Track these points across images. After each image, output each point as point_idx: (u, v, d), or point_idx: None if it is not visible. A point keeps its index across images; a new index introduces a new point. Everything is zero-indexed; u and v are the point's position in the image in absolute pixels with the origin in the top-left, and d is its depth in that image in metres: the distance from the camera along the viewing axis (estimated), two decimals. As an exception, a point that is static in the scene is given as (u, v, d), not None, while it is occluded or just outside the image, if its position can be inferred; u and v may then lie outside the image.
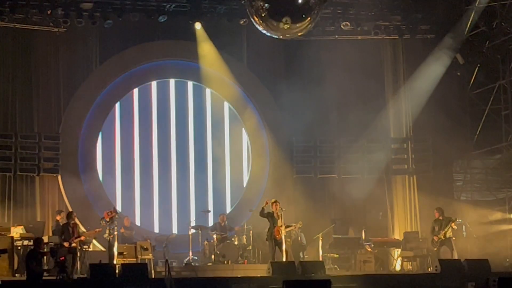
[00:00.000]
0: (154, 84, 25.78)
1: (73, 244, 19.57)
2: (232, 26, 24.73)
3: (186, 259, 22.69)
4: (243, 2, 21.57)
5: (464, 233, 22.46)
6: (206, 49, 25.08)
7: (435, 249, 21.75)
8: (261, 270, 20.03)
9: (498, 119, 24.78)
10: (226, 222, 23.76)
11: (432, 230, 21.84)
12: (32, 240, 20.50)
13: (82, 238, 20.27)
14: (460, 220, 21.92)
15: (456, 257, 20.86)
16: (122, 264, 18.19)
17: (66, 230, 19.78)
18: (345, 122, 25.39)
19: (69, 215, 20.18)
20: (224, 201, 25.98)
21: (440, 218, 21.80)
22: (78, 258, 19.80)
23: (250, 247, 23.05)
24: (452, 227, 21.50)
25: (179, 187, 25.59)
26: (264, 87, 25.91)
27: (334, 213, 24.24)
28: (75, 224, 20.19)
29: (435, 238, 21.60)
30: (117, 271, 17.70)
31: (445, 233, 21.47)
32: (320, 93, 25.39)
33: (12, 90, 23.70)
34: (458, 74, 25.74)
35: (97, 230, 20.93)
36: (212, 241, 22.97)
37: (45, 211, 23.52)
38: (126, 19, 23.90)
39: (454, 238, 21.63)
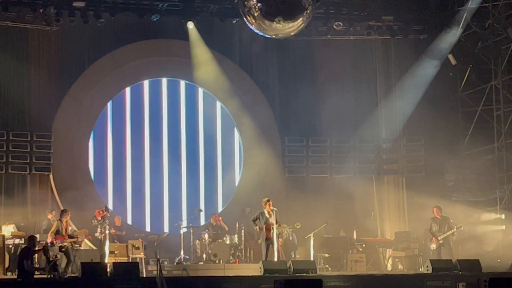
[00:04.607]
0: (146, 83, 25.78)
1: (65, 243, 19.53)
2: (225, 25, 24.71)
3: (177, 258, 22.69)
4: (235, 1, 21.61)
5: (455, 233, 22.46)
6: (199, 48, 25.06)
7: (432, 248, 21.76)
8: (252, 269, 20.05)
9: (490, 120, 24.84)
10: (219, 222, 23.76)
11: (430, 229, 21.85)
12: (23, 239, 20.53)
13: (80, 239, 20.24)
14: (461, 227, 21.95)
15: (453, 257, 20.87)
16: (114, 263, 18.16)
17: (59, 228, 19.71)
18: (337, 122, 25.40)
19: (63, 213, 20.09)
20: (216, 200, 26.01)
21: (438, 217, 21.83)
22: (69, 257, 19.75)
23: (242, 247, 23.05)
24: (453, 233, 21.63)
25: (171, 186, 25.61)
26: (256, 87, 25.93)
27: (326, 213, 24.19)
28: (67, 222, 20.14)
29: (434, 240, 21.63)
30: (108, 270, 17.69)
31: (444, 237, 21.53)
32: (312, 93, 25.46)
33: (4, 88, 23.63)
34: (450, 74, 25.78)
35: (88, 237, 20.93)
36: (203, 240, 22.97)
37: (37, 209, 23.44)
38: (119, 18, 23.87)
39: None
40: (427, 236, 22.10)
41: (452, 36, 24.83)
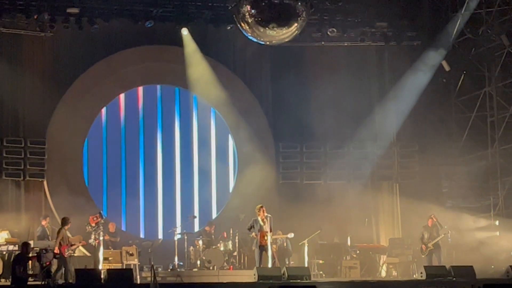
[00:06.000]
0: (140, 89, 25.78)
1: (70, 251, 19.42)
2: (219, 31, 24.72)
3: (171, 265, 22.66)
4: (230, 8, 21.61)
5: (449, 240, 22.50)
6: (193, 55, 25.05)
7: (423, 256, 21.82)
8: (246, 276, 20.06)
9: (484, 126, 24.88)
10: (213, 231, 23.71)
11: (422, 237, 21.90)
12: (17, 245, 20.46)
13: (74, 246, 20.11)
14: (449, 236, 22.05)
15: (441, 262, 20.96)
16: (108, 270, 18.17)
17: (65, 236, 19.54)
18: (331, 128, 25.39)
19: (66, 221, 19.89)
20: (210, 207, 25.99)
21: (430, 225, 21.91)
22: (63, 263, 19.69)
23: (236, 253, 23.04)
24: (444, 236, 21.73)
25: (165, 192, 25.59)
26: (250, 93, 25.93)
27: (320, 219, 24.21)
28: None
29: (423, 247, 21.67)
30: (102, 276, 17.68)
31: (434, 243, 21.59)
32: (306, 99, 25.47)
33: (-2, 94, 23.65)
34: (444, 80, 25.82)
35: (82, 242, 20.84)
36: (197, 246, 22.95)
37: (31, 216, 23.40)
38: (113, 24, 23.85)
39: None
40: (420, 244, 22.17)
41: (445, 42, 24.86)
